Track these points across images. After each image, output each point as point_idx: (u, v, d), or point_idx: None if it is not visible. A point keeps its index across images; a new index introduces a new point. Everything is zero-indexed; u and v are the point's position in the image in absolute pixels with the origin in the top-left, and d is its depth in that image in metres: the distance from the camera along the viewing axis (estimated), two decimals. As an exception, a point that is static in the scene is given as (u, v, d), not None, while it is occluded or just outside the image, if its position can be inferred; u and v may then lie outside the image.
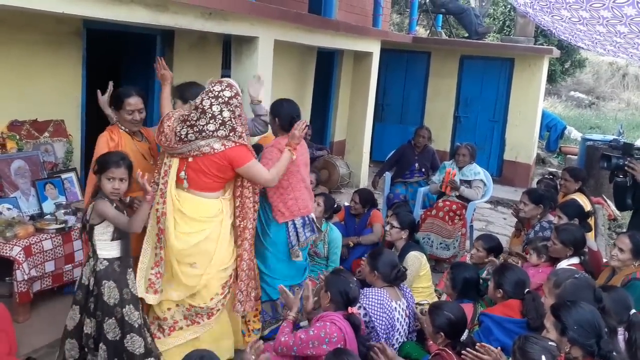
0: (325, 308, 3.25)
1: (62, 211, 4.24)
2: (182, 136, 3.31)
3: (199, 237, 3.39)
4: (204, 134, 3.30)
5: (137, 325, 3.14)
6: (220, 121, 3.30)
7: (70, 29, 4.79)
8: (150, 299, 3.38)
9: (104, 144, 3.49)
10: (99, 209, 3.04)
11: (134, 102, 3.61)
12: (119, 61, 6.27)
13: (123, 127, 3.64)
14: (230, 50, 5.64)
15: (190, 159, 3.36)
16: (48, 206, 4.36)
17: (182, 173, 3.37)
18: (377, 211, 5.44)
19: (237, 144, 3.38)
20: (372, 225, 5.28)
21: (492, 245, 4.50)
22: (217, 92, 3.34)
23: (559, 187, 5.48)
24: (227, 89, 3.38)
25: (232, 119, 3.34)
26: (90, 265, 3.11)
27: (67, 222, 4.12)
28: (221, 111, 3.30)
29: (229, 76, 5.88)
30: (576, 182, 5.15)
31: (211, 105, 3.30)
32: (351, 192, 6.23)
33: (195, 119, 3.29)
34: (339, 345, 2.97)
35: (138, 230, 3.12)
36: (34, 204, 4.33)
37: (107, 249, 3.09)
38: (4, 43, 4.29)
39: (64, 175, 4.61)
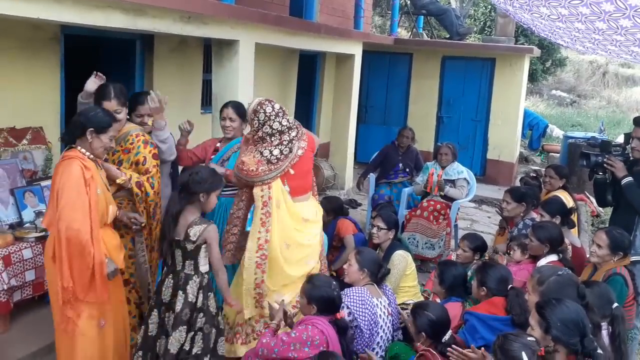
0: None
1: (42, 219, 4.16)
2: (277, 156, 3.56)
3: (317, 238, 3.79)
4: (292, 142, 3.61)
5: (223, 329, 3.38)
6: (290, 126, 3.63)
7: (48, 35, 4.73)
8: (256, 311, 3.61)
9: (78, 177, 2.99)
10: (209, 237, 3.15)
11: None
12: (98, 67, 6.20)
13: (86, 152, 3.11)
14: (211, 54, 5.61)
15: (291, 171, 3.61)
16: (28, 214, 4.28)
17: (286, 187, 3.59)
18: (342, 220, 5.14)
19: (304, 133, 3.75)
20: (343, 239, 5.07)
21: (478, 245, 4.52)
22: (276, 110, 3.60)
23: (542, 185, 5.52)
24: (270, 104, 3.61)
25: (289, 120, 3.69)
26: (196, 282, 3.18)
27: (47, 231, 4.05)
28: (287, 121, 3.64)
29: (210, 81, 5.86)
30: (560, 179, 5.18)
31: (280, 123, 3.59)
32: (336, 193, 6.23)
33: (278, 140, 3.58)
34: (321, 348, 2.95)
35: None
36: (13, 213, 4.25)
37: (205, 264, 3.22)
38: (-21, 50, 4.22)
39: (43, 183, 4.53)
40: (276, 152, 3.56)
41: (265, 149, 3.56)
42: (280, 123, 3.57)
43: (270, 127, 3.55)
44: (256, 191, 3.54)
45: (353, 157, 8.98)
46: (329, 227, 5.08)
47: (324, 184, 7.98)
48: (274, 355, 3.01)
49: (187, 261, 3.17)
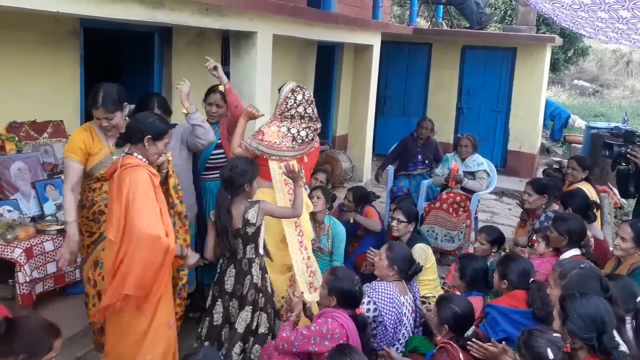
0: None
1: (63, 212, 4.21)
2: (303, 138, 3.78)
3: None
4: (316, 132, 3.86)
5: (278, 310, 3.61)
6: (317, 117, 3.88)
7: (68, 29, 4.77)
8: (313, 296, 3.65)
9: (148, 184, 2.94)
10: (267, 208, 3.42)
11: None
12: (118, 60, 6.26)
13: (142, 158, 3.06)
14: (229, 46, 5.61)
15: (305, 158, 3.84)
16: (49, 207, 4.34)
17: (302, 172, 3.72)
18: (370, 207, 5.32)
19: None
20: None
21: (495, 237, 4.49)
22: (311, 98, 3.84)
23: (565, 176, 5.44)
24: (307, 90, 3.86)
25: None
26: (258, 264, 3.41)
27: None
28: (314, 112, 3.86)
29: (228, 73, 5.87)
30: (583, 170, 5.12)
31: (313, 110, 3.84)
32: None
33: (306, 125, 3.81)
34: (341, 342, 2.95)
35: (302, 212, 3.62)
36: (35, 206, 4.32)
37: (262, 245, 3.46)
38: (1, 44, 4.27)
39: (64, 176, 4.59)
40: (303, 133, 3.79)
41: (294, 127, 3.78)
42: (313, 110, 3.84)
43: (305, 109, 3.79)
44: (273, 166, 3.71)
45: (372, 149, 8.93)
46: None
47: (342, 177, 7.96)
48: (295, 349, 3.02)
49: (248, 246, 3.38)
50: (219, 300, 3.40)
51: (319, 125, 3.86)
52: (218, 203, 3.38)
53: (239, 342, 3.32)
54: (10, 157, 4.28)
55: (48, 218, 4.23)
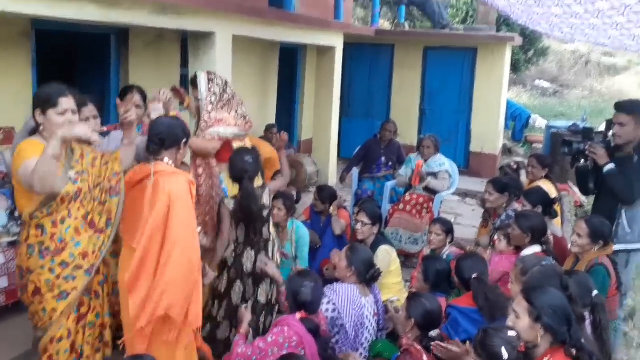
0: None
1: (14, 223, 4.08)
2: (244, 114, 4.22)
3: None
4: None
5: None
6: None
7: (18, 30, 4.64)
8: None
9: (188, 195, 2.87)
10: (273, 188, 3.91)
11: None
12: (72, 63, 6.12)
13: (172, 164, 3.02)
14: (187, 47, 5.55)
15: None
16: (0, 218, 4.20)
17: None
18: (342, 210, 5.38)
19: None
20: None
21: (450, 227, 4.57)
22: (222, 78, 4.19)
23: (524, 174, 5.55)
24: (215, 74, 4.19)
25: None
26: (272, 241, 3.83)
27: (20, 235, 3.96)
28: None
29: (187, 75, 5.80)
30: (543, 168, 5.22)
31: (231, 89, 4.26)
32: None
33: (237, 104, 4.22)
34: (299, 349, 2.92)
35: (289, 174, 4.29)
36: (-16, 215, 4.16)
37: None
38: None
39: (16, 183, 4.45)
40: (242, 111, 4.16)
41: (239, 108, 4.14)
42: (231, 89, 4.17)
43: (231, 90, 4.14)
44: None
45: (337, 152, 8.94)
46: (328, 214, 5.23)
47: (307, 181, 7.94)
48: None
49: (263, 228, 3.74)
50: (238, 281, 3.69)
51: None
52: (250, 195, 3.58)
53: (263, 312, 3.73)
54: (-43, 165, 4.14)
55: (-2, 228, 4.09)
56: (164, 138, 2.97)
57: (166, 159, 2.97)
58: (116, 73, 5.72)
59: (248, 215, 3.65)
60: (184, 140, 3.04)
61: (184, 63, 6.27)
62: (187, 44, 5.54)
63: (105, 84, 5.64)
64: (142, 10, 4.42)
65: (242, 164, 3.61)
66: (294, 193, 5.06)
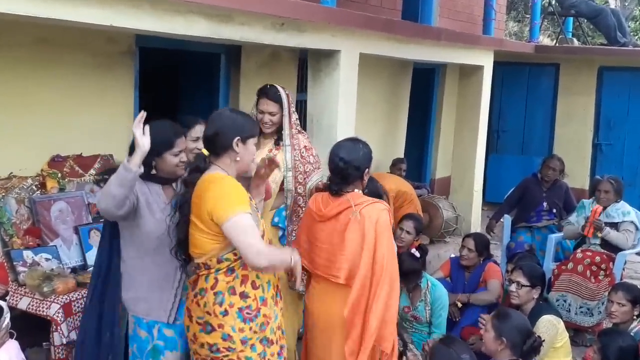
0: None
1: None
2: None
3: None
4: None
5: None
6: None
7: (121, 49, 5.03)
8: None
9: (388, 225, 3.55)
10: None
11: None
12: (177, 86, 6.54)
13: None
14: (306, 69, 5.72)
15: None
16: (92, 256, 4.45)
17: None
18: (493, 264, 5.28)
19: None
20: (487, 282, 5.11)
21: (637, 295, 4.36)
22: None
23: None
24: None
25: None
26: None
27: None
28: None
29: (304, 101, 5.97)
30: None
31: None
32: (458, 240, 6.08)
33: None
34: None
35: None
36: (76, 254, 4.47)
37: None
38: (47, 66, 4.55)
39: (111, 220, 4.75)
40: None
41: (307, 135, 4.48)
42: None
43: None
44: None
45: (481, 196, 8.81)
46: (476, 270, 5.28)
47: (442, 228, 7.80)
48: None
49: None
50: None
51: None
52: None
53: None
54: (51, 197, 4.48)
55: (91, 269, 4.34)
56: (347, 174, 3.36)
57: (356, 190, 3.39)
58: (225, 97, 6.03)
59: None
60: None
61: (301, 88, 6.47)
62: (306, 66, 5.71)
63: (213, 108, 5.92)
64: (258, 25, 4.63)
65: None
66: (426, 242, 5.02)
